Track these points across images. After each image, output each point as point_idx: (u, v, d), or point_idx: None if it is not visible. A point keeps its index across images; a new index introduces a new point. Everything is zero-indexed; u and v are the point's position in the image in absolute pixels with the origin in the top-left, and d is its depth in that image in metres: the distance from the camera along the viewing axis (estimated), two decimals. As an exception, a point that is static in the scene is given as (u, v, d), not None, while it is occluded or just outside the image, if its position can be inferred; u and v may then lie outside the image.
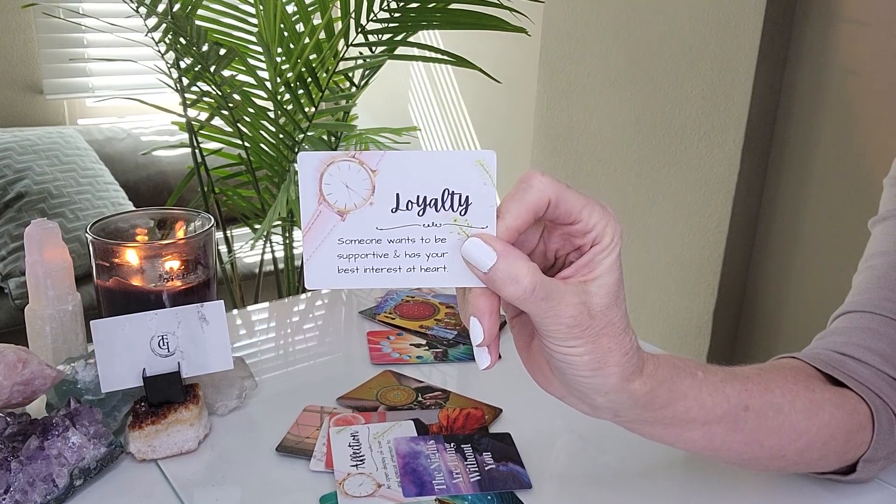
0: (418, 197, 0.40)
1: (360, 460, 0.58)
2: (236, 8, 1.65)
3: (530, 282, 0.39)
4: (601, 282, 0.40)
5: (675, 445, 0.49)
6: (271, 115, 1.53)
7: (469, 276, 0.40)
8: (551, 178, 0.40)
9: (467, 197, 0.40)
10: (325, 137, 1.66)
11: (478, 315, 0.40)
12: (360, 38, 1.53)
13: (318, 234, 0.40)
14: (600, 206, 0.41)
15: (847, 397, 0.53)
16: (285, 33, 1.53)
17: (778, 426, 0.50)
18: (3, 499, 0.51)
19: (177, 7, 1.44)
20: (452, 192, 0.40)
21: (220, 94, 1.49)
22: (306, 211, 0.40)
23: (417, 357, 0.76)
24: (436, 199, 0.40)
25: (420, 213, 0.40)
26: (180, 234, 0.74)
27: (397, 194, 0.40)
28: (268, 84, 1.56)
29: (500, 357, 0.42)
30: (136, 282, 0.67)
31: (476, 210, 0.40)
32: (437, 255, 0.40)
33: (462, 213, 0.40)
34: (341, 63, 1.51)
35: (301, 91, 1.53)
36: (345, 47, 1.50)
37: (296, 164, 1.32)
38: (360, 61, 1.53)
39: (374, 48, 1.56)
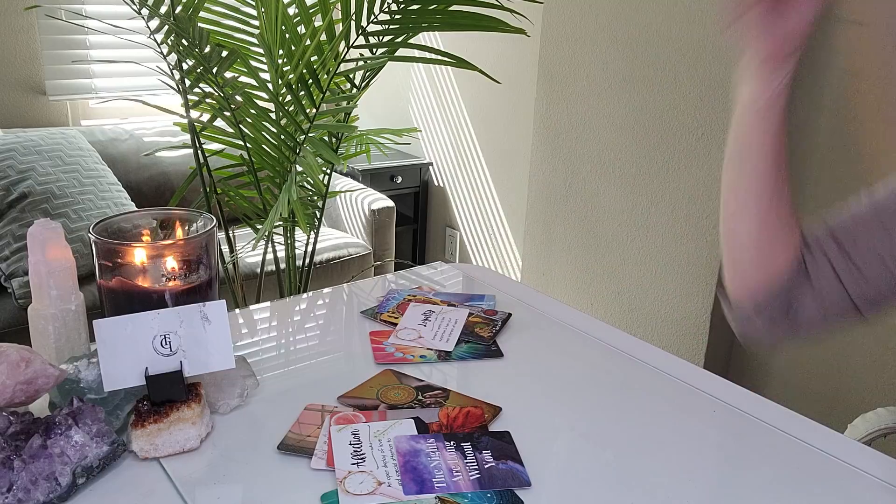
0: None
1: (361, 458, 0.59)
2: (238, 10, 1.66)
3: None
4: None
5: None
6: (273, 116, 1.54)
7: None
8: None
9: None
10: (326, 138, 1.66)
11: None
12: (361, 40, 1.53)
13: None
14: None
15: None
16: (287, 35, 1.54)
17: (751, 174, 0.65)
18: (6, 497, 0.52)
19: (179, 9, 1.45)
20: None
21: (221, 95, 1.50)
22: None
23: (421, 356, 0.77)
24: None
25: None
26: (182, 234, 0.74)
27: None
28: (269, 85, 1.57)
29: None
30: (139, 281, 0.67)
31: None
32: None
33: None
34: (342, 64, 1.52)
35: (302, 92, 1.53)
36: (346, 49, 1.51)
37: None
38: (360, 63, 1.54)
39: (374, 50, 1.57)
